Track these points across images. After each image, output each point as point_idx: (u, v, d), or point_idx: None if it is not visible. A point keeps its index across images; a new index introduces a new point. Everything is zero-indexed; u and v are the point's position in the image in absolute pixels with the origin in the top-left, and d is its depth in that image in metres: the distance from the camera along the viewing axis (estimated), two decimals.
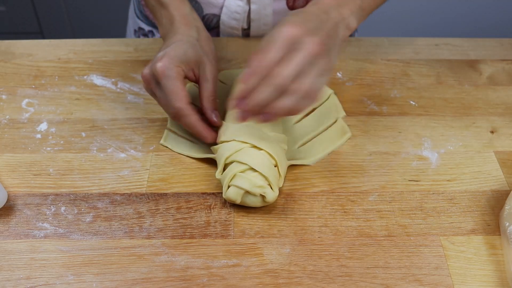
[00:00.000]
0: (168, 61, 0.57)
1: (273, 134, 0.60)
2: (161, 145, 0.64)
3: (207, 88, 0.61)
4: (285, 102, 0.50)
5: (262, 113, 0.51)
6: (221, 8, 0.78)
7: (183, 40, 0.60)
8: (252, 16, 0.79)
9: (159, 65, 0.57)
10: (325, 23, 0.52)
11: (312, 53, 0.49)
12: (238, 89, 0.51)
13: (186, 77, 0.60)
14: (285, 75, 0.49)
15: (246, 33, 0.82)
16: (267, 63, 0.48)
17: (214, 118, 0.61)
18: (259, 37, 0.83)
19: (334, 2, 0.55)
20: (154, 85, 0.59)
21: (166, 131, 0.65)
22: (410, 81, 0.75)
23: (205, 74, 0.61)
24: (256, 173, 0.55)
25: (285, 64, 0.49)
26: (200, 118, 0.59)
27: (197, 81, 0.62)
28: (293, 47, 0.49)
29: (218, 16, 0.80)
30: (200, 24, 0.65)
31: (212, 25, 0.82)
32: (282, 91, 0.49)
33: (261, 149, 0.57)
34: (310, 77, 0.50)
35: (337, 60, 0.55)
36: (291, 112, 0.51)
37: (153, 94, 0.61)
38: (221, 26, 0.81)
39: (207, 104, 0.61)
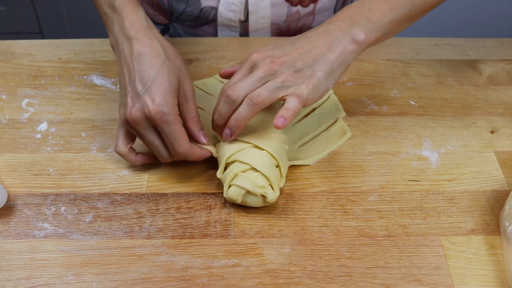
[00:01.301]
0: (164, 103, 0.53)
1: (275, 134, 0.60)
2: None
3: (190, 109, 0.58)
4: (237, 112, 0.55)
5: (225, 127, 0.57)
6: (219, 0, 0.79)
7: (157, 66, 0.55)
8: (250, 8, 0.79)
9: (155, 110, 0.53)
10: (304, 45, 0.57)
11: (266, 70, 0.55)
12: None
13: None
14: (237, 89, 0.55)
15: (244, 26, 0.82)
16: (231, 83, 0.56)
17: (202, 139, 0.59)
18: (258, 35, 0.84)
19: (342, 18, 0.58)
20: (145, 128, 0.55)
21: None
22: (410, 81, 0.75)
23: (184, 94, 0.57)
24: (257, 173, 0.55)
25: (240, 81, 0.55)
26: (198, 145, 0.59)
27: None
28: (252, 66, 0.56)
29: (215, 9, 0.80)
30: (156, 31, 0.59)
31: (210, 18, 0.82)
32: (235, 104, 0.55)
33: (263, 149, 0.57)
34: (261, 88, 0.54)
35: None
36: (243, 119, 0.55)
37: (141, 136, 0.57)
38: (219, 19, 0.81)
39: (192, 126, 0.58)
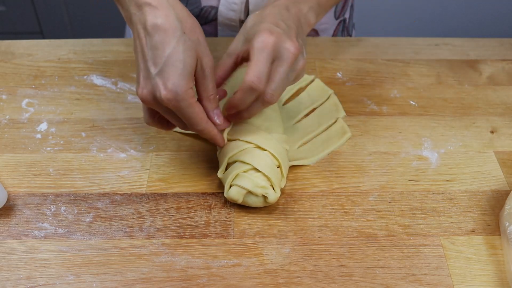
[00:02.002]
0: (177, 88, 0.50)
1: (276, 134, 0.60)
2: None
3: (206, 86, 0.54)
4: (253, 107, 0.56)
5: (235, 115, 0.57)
6: None
7: (171, 43, 0.50)
8: (250, 7, 0.79)
9: (168, 96, 0.50)
10: (290, 19, 0.57)
11: (292, 60, 0.53)
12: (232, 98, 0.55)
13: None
14: (269, 91, 0.54)
15: None
16: (261, 79, 0.52)
17: (216, 119, 0.56)
18: None
19: (290, 0, 0.59)
20: (162, 109, 0.53)
21: None
22: (410, 81, 0.75)
23: (202, 70, 0.53)
24: (259, 174, 0.55)
25: (271, 81, 0.53)
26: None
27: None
28: (275, 55, 0.53)
29: (216, 8, 0.80)
30: (173, 1, 0.53)
31: (210, 18, 0.82)
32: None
33: (265, 150, 0.57)
34: (286, 83, 0.55)
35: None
36: (254, 114, 0.57)
37: (155, 110, 0.55)
38: (219, 18, 0.81)
39: (208, 104, 0.55)
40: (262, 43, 0.52)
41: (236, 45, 0.57)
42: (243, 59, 0.56)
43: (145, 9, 0.51)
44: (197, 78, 0.54)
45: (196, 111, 0.52)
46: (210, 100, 0.55)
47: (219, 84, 0.57)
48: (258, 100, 0.54)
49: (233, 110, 0.56)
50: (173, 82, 0.50)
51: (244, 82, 0.52)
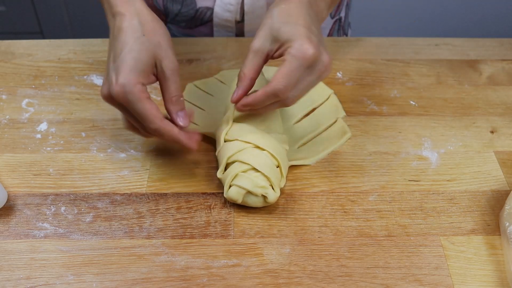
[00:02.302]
0: (125, 82, 0.51)
1: (275, 134, 0.60)
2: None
3: (168, 87, 0.55)
4: (272, 107, 0.56)
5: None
6: (214, 0, 0.79)
7: (129, 43, 0.53)
8: (245, 8, 0.79)
9: (116, 89, 0.51)
10: (315, 22, 0.56)
11: (324, 73, 0.54)
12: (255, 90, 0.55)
13: (147, 84, 0.54)
14: (292, 96, 0.54)
15: (239, 27, 0.82)
16: (289, 89, 0.52)
17: (179, 122, 0.55)
18: (254, 35, 0.83)
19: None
20: (118, 107, 0.54)
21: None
22: (410, 81, 0.75)
23: (162, 72, 0.54)
24: (258, 173, 0.55)
25: (296, 87, 0.53)
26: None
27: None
28: (310, 65, 0.52)
29: (211, 9, 0.80)
30: (139, 5, 0.56)
31: (205, 19, 0.82)
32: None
33: (264, 150, 0.57)
34: (310, 90, 0.55)
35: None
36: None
37: (121, 111, 0.56)
38: (215, 19, 0.81)
39: (170, 106, 0.55)
40: (302, 53, 0.51)
41: (263, 43, 0.54)
42: (272, 57, 0.55)
43: (117, 17, 0.55)
44: (159, 81, 0.55)
45: (147, 107, 0.52)
46: (172, 102, 0.55)
47: (250, 86, 0.55)
48: (277, 102, 0.54)
49: (248, 108, 0.55)
50: (123, 76, 0.51)
51: (271, 86, 0.52)
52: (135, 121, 0.55)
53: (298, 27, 0.53)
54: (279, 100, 0.54)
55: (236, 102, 0.56)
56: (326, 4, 0.60)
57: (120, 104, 0.54)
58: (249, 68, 0.55)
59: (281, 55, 0.54)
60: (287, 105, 0.55)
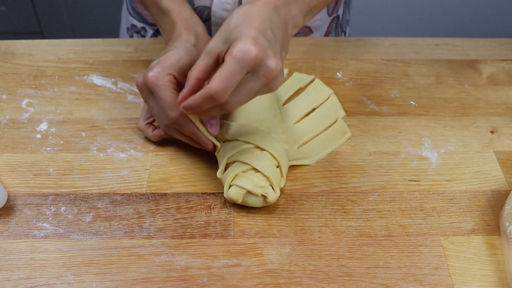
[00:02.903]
0: (160, 70, 0.56)
1: (275, 134, 0.60)
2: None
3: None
4: (213, 111, 0.52)
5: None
6: None
7: (179, 47, 0.59)
8: None
9: (150, 74, 0.56)
10: (278, 27, 0.52)
11: (269, 79, 0.49)
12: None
13: (180, 84, 0.57)
14: (232, 102, 0.50)
15: None
16: (227, 92, 0.48)
17: (210, 129, 0.57)
18: None
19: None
20: (147, 95, 0.59)
21: None
22: (410, 81, 0.75)
23: None
24: (258, 173, 0.55)
25: (237, 92, 0.49)
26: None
27: None
28: (253, 68, 0.49)
29: (209, 8, 0.80)
30: (200, 29, 0.64)
31: (203, 18, 0.82)
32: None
33: (264, 150, 0.57)
34: (253, 96, 0.51)
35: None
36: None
37: (147, 103, 0.61)
38: (213, 18, 0.81)
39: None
40: (242, 53, 0.47)
41: (216, 43, 0.51)
42: (223, 59, 0.50)
43: (177, 29, 0.63)
44: None
45: (172, 96, 0.56)
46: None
47: (198, 86, 0.52)
48: (217, 106, 0.51)
49: (189, 111, 0.52)
50: (160, 66, 0.57)
51: (207, 88, 0.48)
52: (158, 112, 0.59)
53: (249, 28, 0.49)
54: (218, 105, 0.50)
55: (180, 102, 0.53)
56: (300, 10, 0.57)
57: (148, 92, 0.58)
58: (197, 68, 0.52)
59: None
60: (227, 110, 0.51)
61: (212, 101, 0.49)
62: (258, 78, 0.49)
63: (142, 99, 0.64)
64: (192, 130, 0.57)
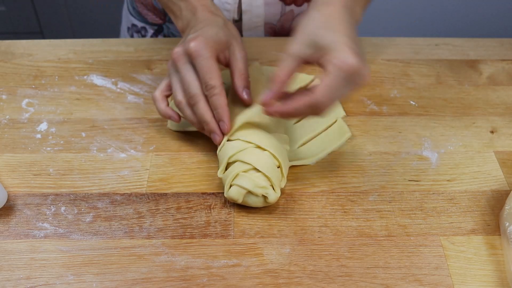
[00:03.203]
0: (202, 41, 0.57)
1: (276, 134, 0.60)
2: (169, 128, 0.66)
3: (238, 66, 0.61)
4: (305, 115, 0.57)
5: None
6: None
7: (212, 24, 0.61)
8: (243, 7, 0.79)
9: (194, 44, 0.57)
10: (354, 29, 0.54)
11: (360, 86, 0.52)
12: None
13: (216, 54, 0.59)
14: (325, 106, 0.52)
15: (237, 26, 0.82)
16: (331, 101, 0.51)
17: (245, 95, 0.60)
18: (252, 35, 0.83)
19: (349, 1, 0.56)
20: (183, 64, 0.58)
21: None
22: (410, 81, 0.75)
23: (235, 55, 0.61)
24: (259, 174, 0.55)
25: (331, 98, 0.51)
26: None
27: (226, 64, 0.63)
28: (350, 77, 0.50)
29: None
30: (222, 15, 0.65)
31: None
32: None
33: (265, 150, 0.57)
34: (341, 98, 0.53)
35: None
36: None
37: (175, 73, 0.59)
38: None
39: (238, 81, 0.61)
40: (345, 64, 0.49)
41: (300, 48, 0.53)
42: (307, 63, 0.54)
43: (198, 12, 0.63)
44: (230, 62, 0.62)
45: (216, 66, 0.57)
46: (241, 78, 0.61)
47: (281, 89, 0.54)
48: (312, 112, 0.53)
49: (285, 115, 0.55)
50: (204, 37, 0.57)
51: (314, 98, 0.51)
52: (183, 85, 0.58)
53: (340, 35, 0.51)
54: (313, 110, 0.53)
55: (266, 104, 0.55)
56: (361, 8, 0.59)
57: (186, 61, 0.58)
58: (284, 72, 0.53)
59: (318, 62, 0.52)
60: (318, 115, 0.53)
61: (314, 108, 0.52)
62: (352, 85, 0.51)
63: (166, 74, 0.62)
64: (221, 103, 0.57)
